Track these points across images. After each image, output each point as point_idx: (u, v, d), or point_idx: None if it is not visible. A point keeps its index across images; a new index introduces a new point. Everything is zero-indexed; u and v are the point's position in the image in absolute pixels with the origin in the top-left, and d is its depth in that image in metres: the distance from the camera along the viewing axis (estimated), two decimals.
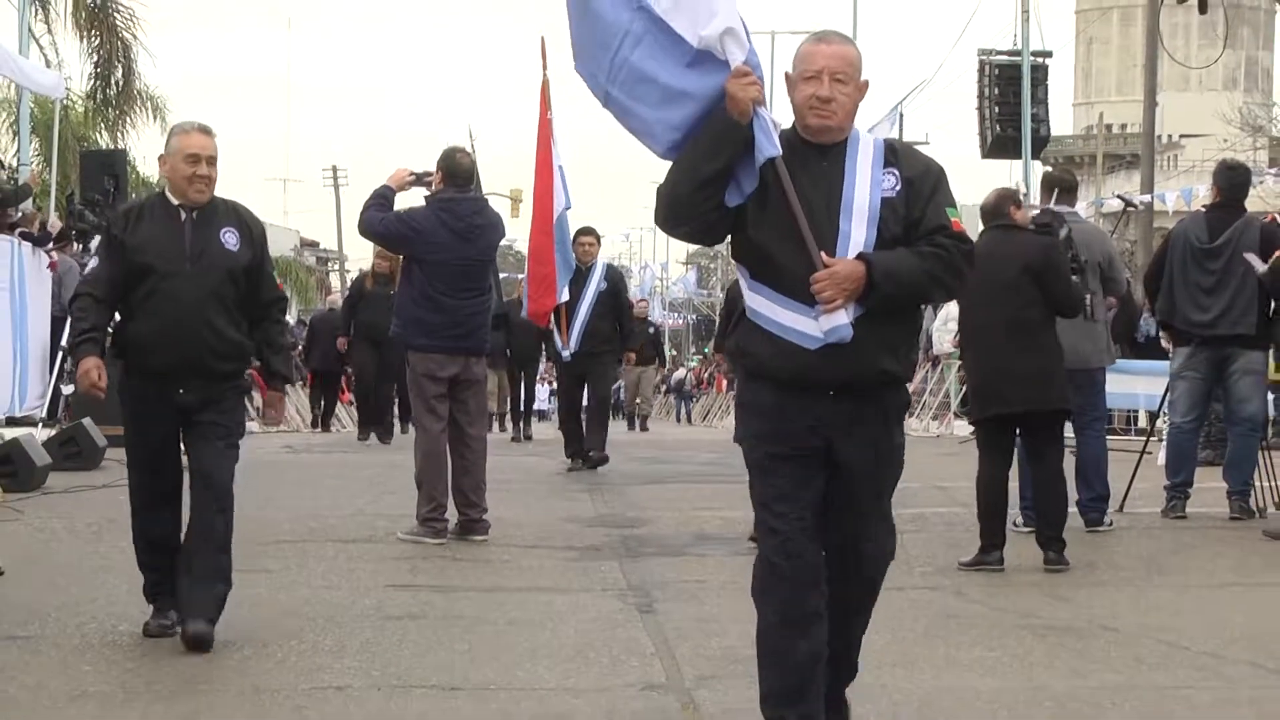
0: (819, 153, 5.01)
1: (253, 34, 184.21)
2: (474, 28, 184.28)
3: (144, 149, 30.03)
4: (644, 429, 26.69)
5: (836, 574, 5.06)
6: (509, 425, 22.15)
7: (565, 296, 12.94)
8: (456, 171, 10.20)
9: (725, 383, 36.11)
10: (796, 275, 4.89)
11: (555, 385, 18.14)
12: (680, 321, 68.91)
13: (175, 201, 6.89)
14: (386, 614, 7.70)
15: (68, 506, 11.25)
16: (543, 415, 29.69)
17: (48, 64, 25.65)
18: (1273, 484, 11.00)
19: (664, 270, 74.76)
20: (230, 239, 6.86)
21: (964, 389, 9.40)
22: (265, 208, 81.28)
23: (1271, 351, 10.86)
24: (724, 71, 4.92)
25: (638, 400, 28.28)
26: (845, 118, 5.01)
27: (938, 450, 17.19)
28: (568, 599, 8.21)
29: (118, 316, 7.03)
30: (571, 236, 13.12)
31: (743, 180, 4.95)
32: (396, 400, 20.04)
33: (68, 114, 25.99)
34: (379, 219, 10.21)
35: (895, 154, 5.08)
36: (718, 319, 23.40)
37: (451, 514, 10.10)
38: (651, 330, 28.95)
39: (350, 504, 11.97)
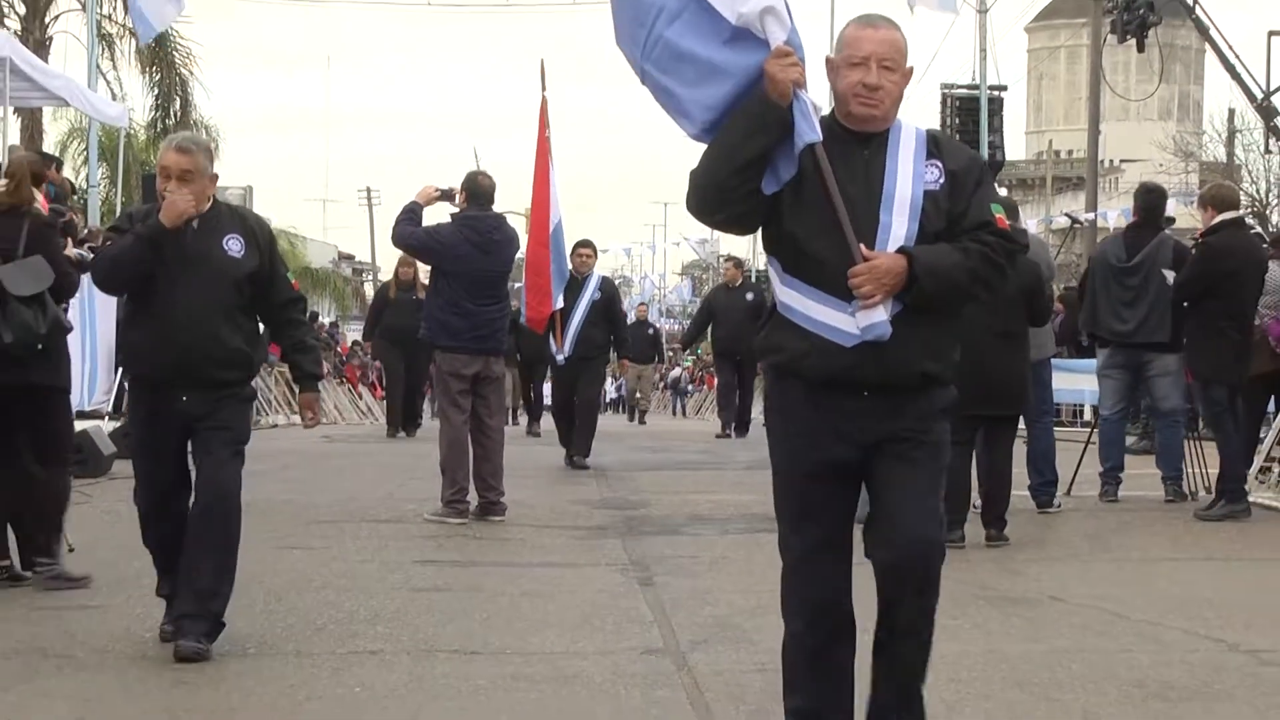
0: (860, 142, 4.31)
1: (295, 69, 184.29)
2: (494, 62, 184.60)
3: None
4: (642, 422, 26.65)
5: (881, 592, 4.31)
6: (521, 419, 22.01)
7: (560, 304, 12.54)
8: (478, 192, 10.32)
9: (713, 381, 36.02)
10: (833, 269, 4.21)
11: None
12: (676, 326, 68.79)
13: None
14: (414, 586, 7.69)
15: (127, 491, 11.22)
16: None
17: (114, 97, 25.65)
18: (1203, 470, 11.04)
19: (661, 280, 74.78)
20: (234, 245, 6.14)
21: None
22: (306, 224, 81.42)
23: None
24: (763, 50, 4.23)
25: (638, 395, 28.21)
26: (891, 106, 4.31)
27: None
28: (576, 573, 8.20)
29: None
30: (570, 248, 12.79)
31: (780, 166, 4.26)
32: (427, 395, 20.07)
33: (131, 141, 26.01)
34: (409, 232, 10.32)
35: (938, 145, 4.38)
36: (690, 322, 23.18)
37: (472, 497, 10.12)
38: (651, 331, 28.83)
39: (381, 488, 11.98)
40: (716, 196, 4.32)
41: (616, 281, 18.32)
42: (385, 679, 5.72)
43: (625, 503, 11.25)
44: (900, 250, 4.21)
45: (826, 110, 4.39)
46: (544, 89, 11.73)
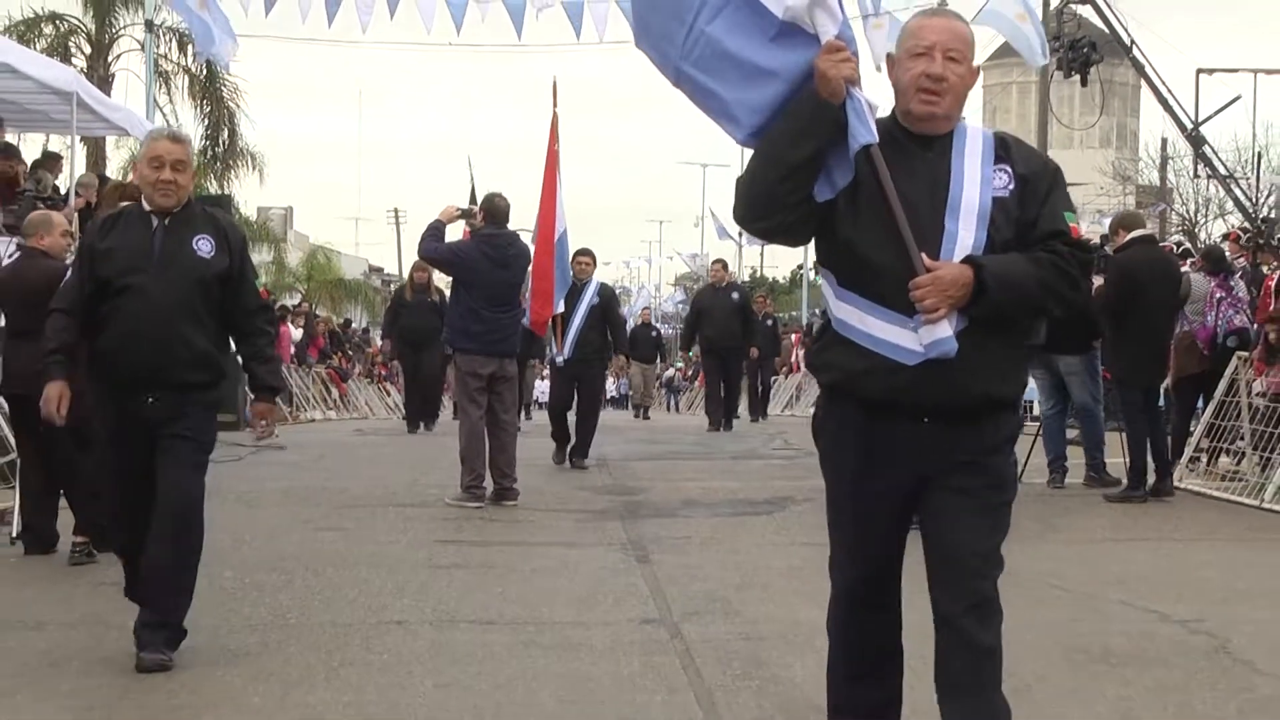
0: (922, 144, 3.60)
1: (330, 103, 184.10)
2: (507, 95, 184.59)
3: (244, 195, 30.12)
4: (646, 417, 26.58)
5: (944, 631, 3.66)
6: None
7: (561, 308, 12.22)
8: (495, 212, 10.40)
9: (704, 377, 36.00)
10: (894, 281, 3.50)
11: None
12: (669, 331, 68.79)
13: (148, 209, 5.55)
14: (436, 563, 7.68)
15: None
16: (542, 406, 29.50)
17: (169, 126, 25.60)
18: (1123, 459, 11.06)
19: (657, 290, 74.74)
20: (204, 246, 5.46)
21: None
22: (340, 241, 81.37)
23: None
24: (813, 47, 3.54)
25: (642, 392, 28.08)
26: (954, 103, 3.60)
27: None
28: (580, 552, 8.19)
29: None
30: (570, 256, 12.43)
31: (834, 171, 3.57)
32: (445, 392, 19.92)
33: None
34: (434, 248, 10.46)
35: (1008, 148, 3.65)
36: (684, 324, 22.81)
37: (488, 484, 10.12)
38: (654, 334, 28.68)
39: (407, 476, 11.96)
40: (765, 204, 3.61)
41: (617, 291, 18.13)
42: (411, 646, 5.71)
43: (625, 489, 11.25)
44: (966, 260, 3.50)
45: (885, 111, 3.71)
46: (555, 105, 11.62)
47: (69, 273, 5.94)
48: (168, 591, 5.39)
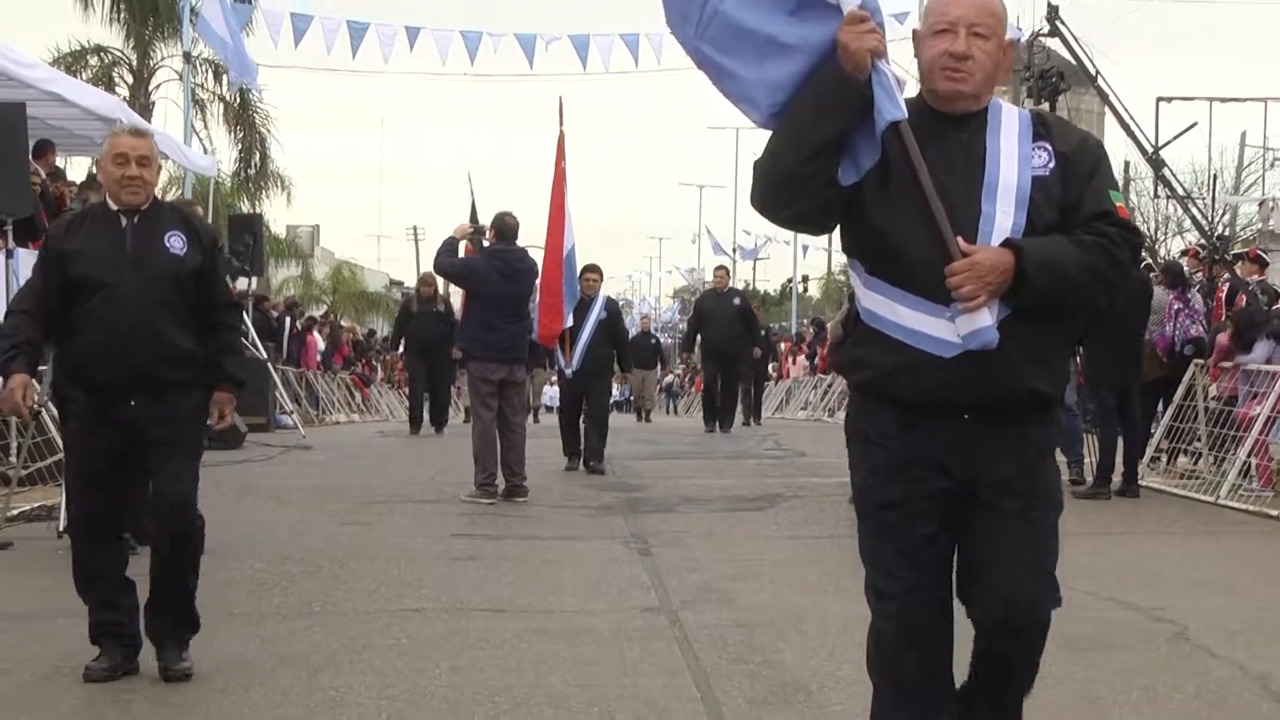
0: (954, 123, 3.12)
1: (354, 127, 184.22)
2: (518, 121, 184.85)
3: (274, 214, 30.18)
4: (648, 420, 26.53)
5: (982, 645, 3.17)
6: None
7: (570, 322, 11.76)
8: (505, 230, 10.40)
9: (701, 384, 35.99)
10: (927, 267, 3.01)
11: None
12: (668, 340, 68.84)
13: (114, 207, 4.95)
14: (452, 555, 7.68)
15: (217, 476, 11.21)
16: (550, 409, 29.41)
17: (205, 151, 25.63)
18: (1092, 459, 11.04)
19: (656, 302, 74.75)
20: (175, 242, 4.93)
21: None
22: (363, 257, 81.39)
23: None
24: (834, 19, 3.04)
25: (643, 396, 28.03)
26: (983, 82, 3.11)
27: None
28: (586, 545, 8.19)
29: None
30: (578, 271, 12.10)
31: (860, 152, 3.07)
32: (456, 394, 19.86)
33: (219, 188, 26.02)
34: (448, 262, 10.51)
35: (1046, 126, 3.16)
36: (687, 327, 22.51)
37: (500, 482, 10.12)
38: (653, 341, 28.62)
39: (425, 474, 11.95)
40: (785, 189, 3.10)
41: (620, 303, 17.95)
42: (428, 632, 5.71)
43: (627, 486, 11.24)
44: (1005, 243, 3.01)
45: (913, 89, 3.27)
46: (561, 124, 11.43)
47: (30, 275, 5.17)
48: (177, 605, 5.00)
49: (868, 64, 3.01)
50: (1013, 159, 3.09)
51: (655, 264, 79.50)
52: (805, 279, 51.63)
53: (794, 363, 30.70)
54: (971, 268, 2.98)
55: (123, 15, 27.56)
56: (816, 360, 27.70)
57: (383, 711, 4.55)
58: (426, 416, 17.91)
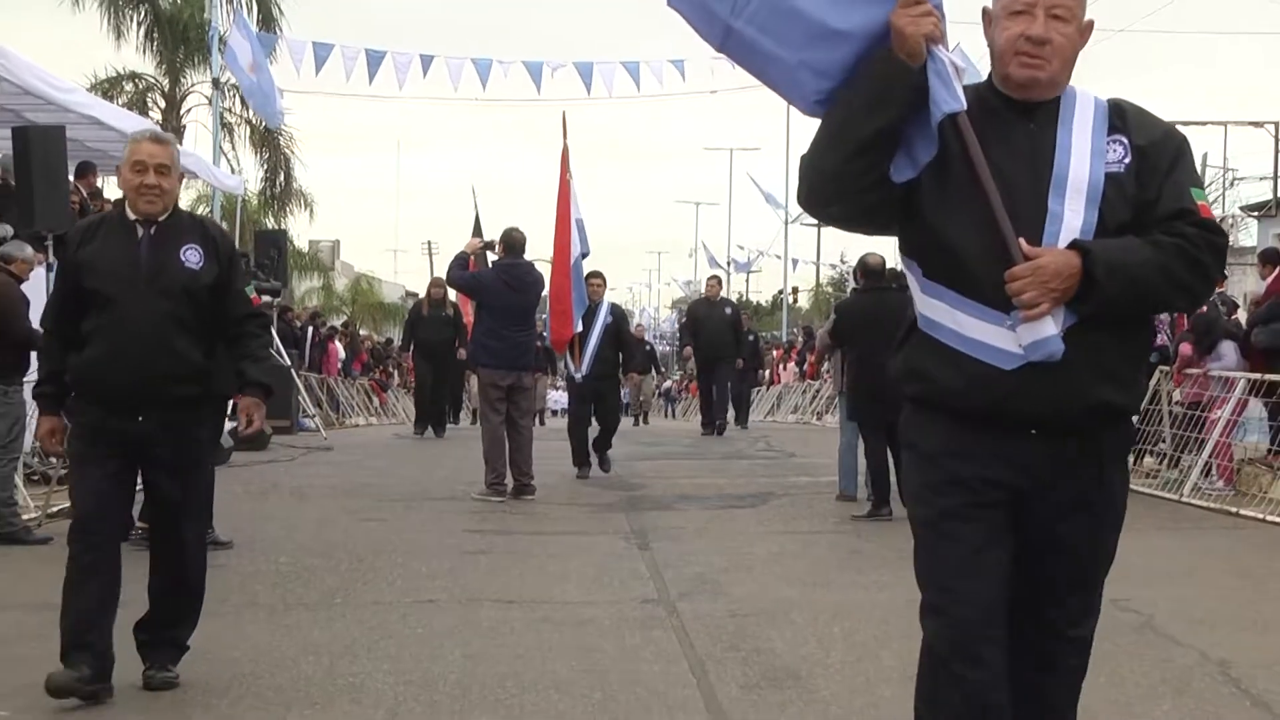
0: (1023, 113, 2.70)
1: (372, 148, 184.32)
2: (527, 142, 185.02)
3: (297, 229, 30.24)
4: (645, 422, 26.50)
5: (1028, 664, 2.77)
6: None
7: (579, 328, 11.38)
8: (513, 244, 10.41)
9: (696, 388, 35.99)
10: (986, 271, 2.62)
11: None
12: (667, 347, 68.92)
13: (132, 217, 4.54)
14: (464, 549, 7.67)
15: (244, 476, 11.24)
16: (555, 413, 29.34)
17: (232, 171, 25.66)
18: None
19: (655, 312, 74.76)
20: (192, 256, 4.49)
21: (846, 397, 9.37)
22: (381, 269, 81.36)
23: None
24: (889, 2, 2.64)
25: (641, 400, 28.00)
26: (1061, 67, 2.68)
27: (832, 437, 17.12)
28: (589, 539, 8.18)
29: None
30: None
31: (916, 146, 2.67)
32: (467, 398, 19.77)
33: (246, 205, 26.04)
34: (459, 275, 10.59)
35: (1123, 116, 2.72)
36: (680, 332, 22.17)
37: (508, 481, 10.11)
38: (649, 348, 28.61)
39: (439, 474, 11.95)
40: (834, 187, 2.69)
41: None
42: (442, 621, 5.71)
43: (628, 485, 11.23)
44: (1073, 245, 2.60)
45: (978, 76, 2.90)
46: (565, 137, 11.25)
47: (55, 282, 4.72)
48: (174, 619, 4.68)
49: (923, 50, 2.61)
50: (1085, 153, 2.66)
51: (654, 276, 79.72)
52: (795, 290, 51.63)
53: (785, 369, 30.71)
54: (1034, 272, 2.57)
55: (155, 44, 27.60)
56: (805, 366, 27.71)
57: (399, 696, 4.55)
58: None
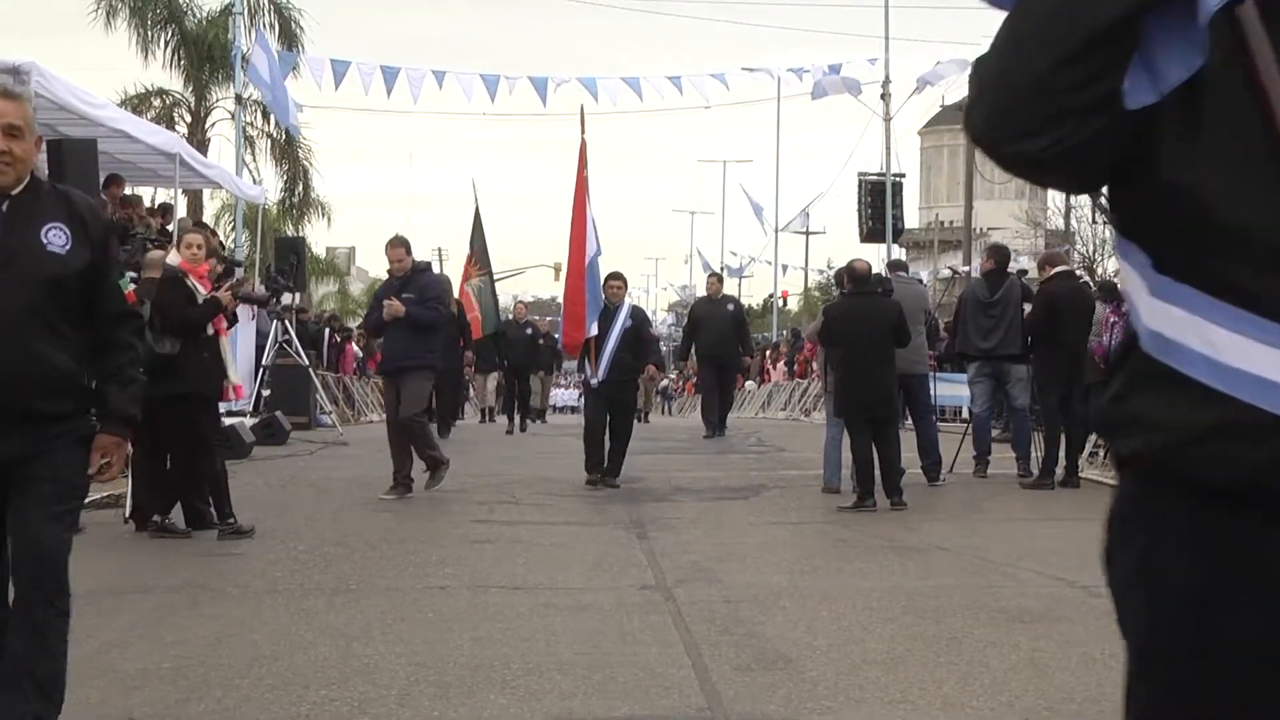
0: None
1: (386, 161, 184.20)
2: (535, 155, 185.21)
3: (315, 236, 30.23)
4: (646, 420, 26.34)
5: None
6: (498, 419, 19.80)
7: (595, 331, 10.26)
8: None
9: (693, 387, 35.91)
10: (1275, 262, 1.23)
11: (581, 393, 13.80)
12: (665, 349, 69.12)
13: None
14: (472, 539, 7.66)
15: (265, 469, 11.23)
16: (557, 410, 29.17)
17: (254, 181, 25.63)
18: (1037, 454, 10.99)
19: (653, 315, 74.85)
20: (56, 237, 3.36)
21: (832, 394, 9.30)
22: None
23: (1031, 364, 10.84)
24: None
25: (642, 399, 27.71)
26: None
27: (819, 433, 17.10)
28: (590, 529, 8.17)
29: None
30: (602, 280, 10.55)
31: (1160, 56, 1.25)
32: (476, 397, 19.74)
33: (266, 214, 26.03)
34: (373, 321, 9.95)
35: None
36: (682, 334, 21.63)
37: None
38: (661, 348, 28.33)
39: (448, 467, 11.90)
40: (1032, 108, 1.29)
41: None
42: (452, 606, 5.70)
43: (627, 478, 11.20)
44: None
45: None
46: (583, 132, 10.64)
47: None
48: (25, 685, 3.29)
49: None
50: None
51: (652, 282, 79.58)
52: (785, 294, 51.64)
53: (775, 368, 30.75)
54: None
55: (182, 62, 27.61)
56: (794, 365, 27.72)
57: (411, 677, 4.54)
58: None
